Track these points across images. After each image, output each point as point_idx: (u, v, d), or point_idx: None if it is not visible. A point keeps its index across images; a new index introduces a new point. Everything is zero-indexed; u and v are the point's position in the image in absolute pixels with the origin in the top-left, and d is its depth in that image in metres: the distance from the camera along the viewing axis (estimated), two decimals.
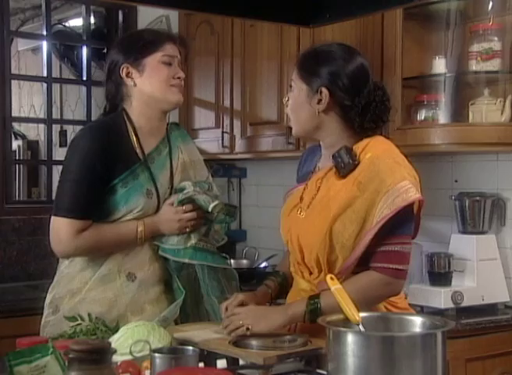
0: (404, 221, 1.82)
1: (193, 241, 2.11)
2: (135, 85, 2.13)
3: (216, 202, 2.10)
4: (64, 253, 2.10)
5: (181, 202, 2.11)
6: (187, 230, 2.11)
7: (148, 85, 2.12)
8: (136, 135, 2.13)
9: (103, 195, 2.06)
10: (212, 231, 2.20)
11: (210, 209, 2.10)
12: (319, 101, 1.90)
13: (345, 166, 1.85)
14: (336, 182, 1.88)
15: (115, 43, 2.24)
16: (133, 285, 2.09)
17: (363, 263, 1.83)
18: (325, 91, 1.89)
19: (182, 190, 2.14)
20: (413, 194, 1.80)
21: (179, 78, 2.13)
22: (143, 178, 2.09)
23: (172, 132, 2.24)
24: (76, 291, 2.10)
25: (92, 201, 2.06)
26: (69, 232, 2.03)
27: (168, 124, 2.25)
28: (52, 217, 2.07)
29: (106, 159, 2.05)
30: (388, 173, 1.81)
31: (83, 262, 2.11)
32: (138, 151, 2.12)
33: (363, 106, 1.87)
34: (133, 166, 2.08)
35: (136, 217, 2.09)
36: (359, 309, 1.60)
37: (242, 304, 1.93)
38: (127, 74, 2.13)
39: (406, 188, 1.79)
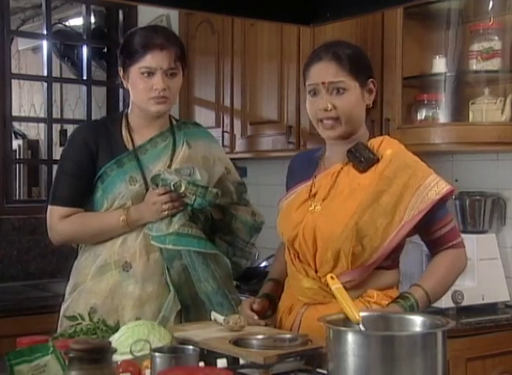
0: (440, 208, 1.90)
1: (175, 225, 2.10)
2: (126, 87, 2.22)
3: (177, 179, 2.08)
4: (53, 238, 2.23)
5: (154, 183, 2.11)
6: (165, 213, 2.09)
7: (132, 92, 2.20)
8: (128, 129, 2.21)
9: (91, 185, 2.16)
10: (235, 229, 2.25)
11: (172, 187, 2.08)
12: (370, 92, 1.95)
13: (365, 160, 1.89)
14: (358, 175, 1.90)
15: (133, 29, 2.30)
16: (128, 275, 2.12)
17: (388, 256, 1.87)
18: (373, 81, 1.96)
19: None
20: (444, 186, 1.89)
21: (157, 89, 2.12)
22: (128, 166, 2.15)
23: (182, 128, 2.27)
24: (80, 281, 2.17)
25: (79, 190, 2.18)
26: (55, 217, 2.17)
27: (176, 120, 2.31)
28: (48, 206, 2.21)
29: (89, 152, 2.16)
30: (416, 167, 1.89)
31: (87, 253, 2.19)
32: (127, 143, 2.18)
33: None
34: (119, 156, 2.15)
35: (123, 205, 2.14)
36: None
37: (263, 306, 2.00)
38: (122, 76, 2.21)
39: (436, 182, 1.88)
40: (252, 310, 1.98)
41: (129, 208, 2.13)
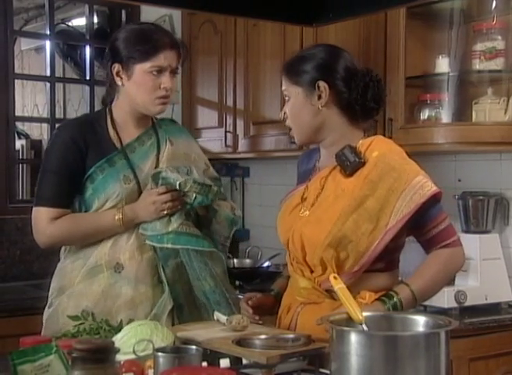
0: (431, 207, 1.86)
1: (174, 224, 2.09)
2: (122, 85, 2.17)
3: (183, 179, 2.07)
4: (41, 242, 2.16)
5: (155, 181, 2.10)
6: (165, 212, 2.09)
7: (133, 91, 2.15)
8: (115, 127, 2.17)
9: (79, 185, 2.12)
10: (217, 224, 2.21)
11: (177, 186, 2.07)
12: (319, 96, 1.91)
13: (350, 164, 1.87)
14: (344, 180, 1.89)
15: (120, 30, 2.24)
16: (120, 277, 2.11)
17: (377, 260, 1.84)
18: (323, 84, 1.91)
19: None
20: (429, 188, 1.84)
21: (165, 88, 2.12)
22: (120, 165, 2.13)
23: (162, 126, 2.27)
24: (67, 284, 2.14)
25: (67, 190, 2.13)
26: (43, 220, 2.11)
27: (156, 119, 2.29)
28: (33, 209, 2.15)
29: (78, 150, 2.11)
30: (401, 170, 1.84)
31: (75, 255, 2.16)
32: (115, 141, 2.16)
33: (362, 87, 1.90)
34: (110, 155, 2.12)
35: (116, 204, 2.12)
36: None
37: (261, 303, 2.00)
38: (117, 73, 2.16)
39: (421, 184, 1.84)
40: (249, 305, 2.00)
41: (124, 208, 2.11)
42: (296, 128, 1.99)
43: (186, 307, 2.16)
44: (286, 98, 1.98)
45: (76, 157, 2.11)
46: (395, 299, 1.80)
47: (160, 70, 2.11)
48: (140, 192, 2.14)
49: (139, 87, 2.13)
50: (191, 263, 2.11)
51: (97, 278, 2.11)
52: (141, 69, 2.11)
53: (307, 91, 1.92)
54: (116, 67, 2.15)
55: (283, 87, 1.98)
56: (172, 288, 2.13)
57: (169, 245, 2.09)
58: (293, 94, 1.95)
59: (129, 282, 2.11)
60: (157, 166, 2.18)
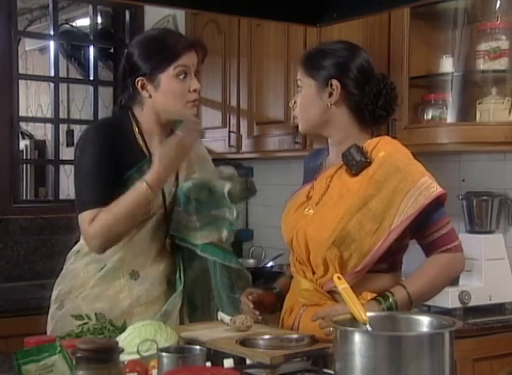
0: (435, 210, 1.85)
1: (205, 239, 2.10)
2: (150, 97, 2.11)
3: (229, 186, 2.07)
4: (91, 246, 2.07)
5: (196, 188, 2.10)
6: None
7: (163, 100, 2.10)
8: (142, 134, 2.13)
9: (117, 188, 2.04)
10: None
11: (226, 194, 2.07)
12: (330, 94, 1.91)
13: (356, 163, 1.87)
14: (349, 179, 1.89)
15: (133, 45, 2.16)
16: (136, 283, 2.10)
17: (379, 260, 1.84)
18: (335, 82, 1.91)
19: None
20: (434, 189, 1.84)
21: (195, 91, 2.11)
22: None
23: (176, 129, 2.22)
24: (80, 286, 2.12)
25: (109, 191, 2.03)
26: (86, 223, 2.02)
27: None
28: (78, 217, 2.06)
29: (115, 155, 2.05)
30: (407, 171, 1.84)
31: (87, 257, 2.13)
32: (144, 149, 2.12)
33: (374, 93, 1.90)
34: (140, 163, 2.08)
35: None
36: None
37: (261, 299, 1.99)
38: (142, 86, 2.10)
39: (426, 185, 1.83)
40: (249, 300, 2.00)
41: (144, 177, 2.01)
42: (303, 118, 1.98)
43: (200, 309, 2.17)
44: (299, 89, 1.98)
45: (114, 161, 2.04)
46: (390, 300, 1.80)
47: (185, 73, 2.09)
48: (164, 203, 2.12)
49: (168, 95, 2.09)
50: (216, 273, 2.11)
51: (114, 284, 2.09)
52: (167, 76, 2.08)
53: (320, 86, 1.92)
54: (140, 81, 2.09)
55: (298, 77, 1.98)
56: (190, 288, 2.13)
57: (198, 250, 2.09)
58: (306, 85, 1.95)
59: (145, 289, 2.10)
60: (177, 174, 2.16)
